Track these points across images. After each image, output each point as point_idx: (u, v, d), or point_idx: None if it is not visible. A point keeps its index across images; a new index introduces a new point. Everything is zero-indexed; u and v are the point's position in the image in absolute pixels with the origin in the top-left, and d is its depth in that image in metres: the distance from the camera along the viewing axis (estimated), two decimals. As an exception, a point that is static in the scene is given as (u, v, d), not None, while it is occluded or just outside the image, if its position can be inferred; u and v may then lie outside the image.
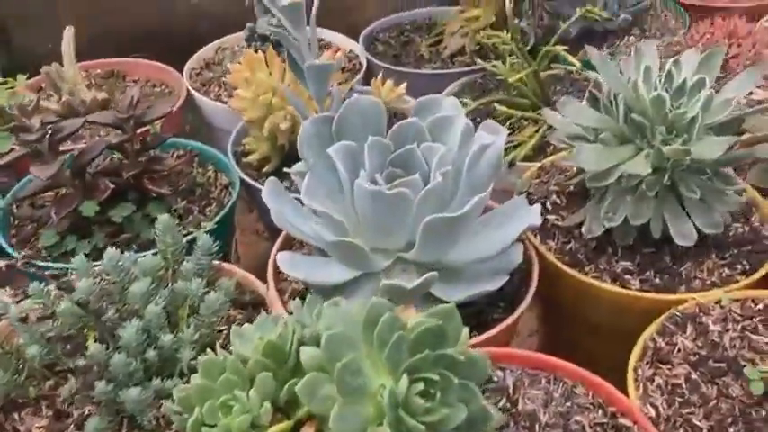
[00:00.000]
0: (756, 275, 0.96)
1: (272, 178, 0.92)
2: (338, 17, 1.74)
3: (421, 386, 0.60)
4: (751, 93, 1.32)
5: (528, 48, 1.49)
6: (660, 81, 0.95)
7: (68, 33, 1.41)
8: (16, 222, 1.15)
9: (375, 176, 0.91)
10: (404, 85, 1.25)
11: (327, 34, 1.64)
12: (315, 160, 0.92)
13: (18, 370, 0.83)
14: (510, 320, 0.91)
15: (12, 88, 1.39)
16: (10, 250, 1.08)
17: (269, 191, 0.90)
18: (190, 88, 1.47)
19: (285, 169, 1.00)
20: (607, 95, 0.97)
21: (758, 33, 1.30)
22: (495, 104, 1.22)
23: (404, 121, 0.94)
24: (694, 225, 0.96)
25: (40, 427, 0.82)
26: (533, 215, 0.89)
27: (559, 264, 0.98)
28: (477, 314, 0.95)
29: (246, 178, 1.17)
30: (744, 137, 1.03)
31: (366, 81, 1.51)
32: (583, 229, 1.01)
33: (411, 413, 0.59)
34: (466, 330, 0.70)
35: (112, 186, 1.08)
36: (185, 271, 0.92)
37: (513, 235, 0.88)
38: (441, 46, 1.56)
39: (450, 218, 0.82)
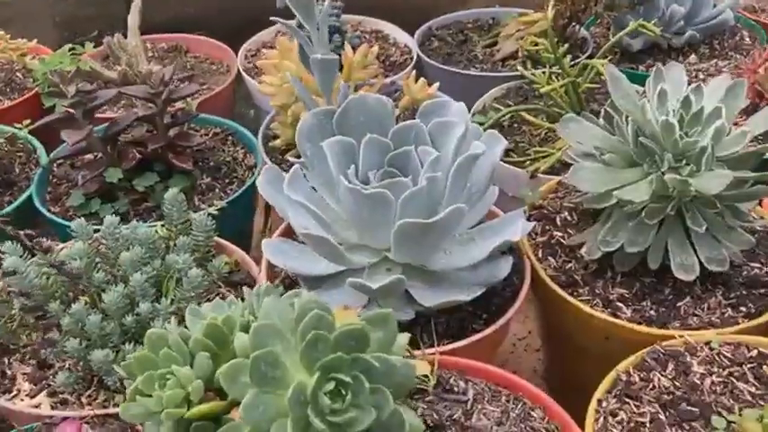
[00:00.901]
0: (758, 320, 0.91)
1: (269, 166, 0.94)
2: (407, 10, 1.75)
3: (332, 386, 0.61)
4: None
5: (584, 57, 1.45)
6: (677, 106, 0.90)
7: (135, 6, 1.49)
8: (54, 181, 1.23)
9: (368, 174, 0.91)
10: (436, 84, 1.24)
11: (385, 26, 1.65)
12: (313, 152, 0.93)
13: (11, 318, 0.89)
14: (484, 334, 0.90)
15: (78, 54, 1.48)
16: (41, 206, 1.16)
17: (264, 180, 0.93)
18: (240, 68, 1.51)
19: (289, 157, 1.02)
20: (621, 116, 0.94)
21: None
22: (524, 113, 1.19)
23: (406, 123, 0.95)
24: (699, 259, 0.92)
25: (24, 374, 0.88)
26: (513, 231, 0.88)
27: (550, 282, 0.96)
28: (461, 321, 0.94)
29: (268, 161, 1.20)
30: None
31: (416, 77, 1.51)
32: (583, 251, 0.98)
33: (318, 411, 0.60)
34: (403, 337, 0.71)
35: (140, 156, 1.14)
36: (180, 245, 0.96)
37: (489, 248, 0.87)
38: (495, 48, 1.54)
39: (423, 224, 0.82)
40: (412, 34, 1.62)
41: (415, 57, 1.53)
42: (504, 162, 1.24)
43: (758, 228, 0.99)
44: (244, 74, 1.51)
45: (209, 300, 0.97)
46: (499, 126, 1.31)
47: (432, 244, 0.89)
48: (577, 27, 1.54)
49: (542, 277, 0.98)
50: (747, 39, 1.57)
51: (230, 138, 1.31)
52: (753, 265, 0.98)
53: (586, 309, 0.92)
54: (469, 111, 1.36)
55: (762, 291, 0.95)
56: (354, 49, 1.22)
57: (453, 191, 0.88)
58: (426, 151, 0.91)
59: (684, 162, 0.89)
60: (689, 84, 0.95)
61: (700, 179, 0.86)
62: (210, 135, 1.31)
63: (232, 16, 1.76)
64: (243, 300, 0.79)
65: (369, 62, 1.22)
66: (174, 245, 0.99)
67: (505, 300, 0.96)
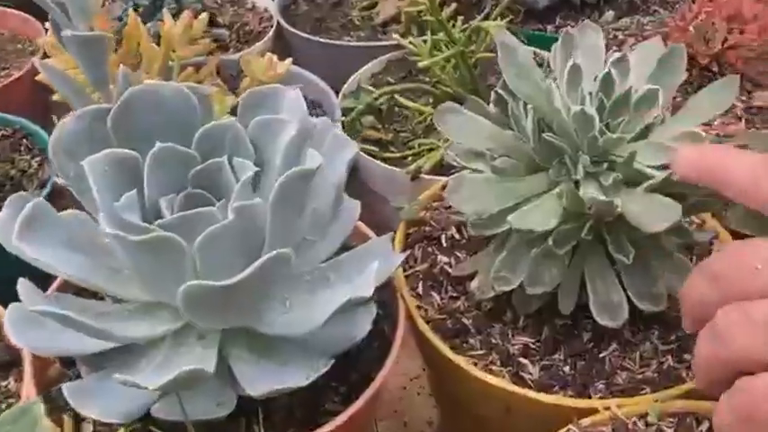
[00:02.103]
0: (710, 374, 0.67)
1: (15, 197, 0.64)
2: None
3: None
4: (750, 94, 1.01)
5: (481, 19, 1.18)
6: (595, 87, 0.65)
7: None
8: None
9: (160, 202, 0.63)
10: (287, 61, 0.96)
11: (241, -14, 1.35)
12: (78, 173, 0.63)
13: None
14: (335, 424, 0.63)
15: None
16: None
17: (4, 219, 0.62)
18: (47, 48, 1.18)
19: (56, 176, 0.72)
20: (518, 101, 0.68)
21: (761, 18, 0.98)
22: (397, 96, 0.93)
23: (217, 124, 0.66)
24: (628, 296, 0.67)
25: None
26: (364, 283, 0.60)
27: (430, 334, 0.70)
28: (309, 400, 0.67)
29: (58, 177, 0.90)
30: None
31: (278, 51, 1.22)
32: (473, 286, 0.72)
33: None
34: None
35: None
36: None
37: (332, 308, 0.60)
38: (375, 11, 1.26)
39: (219, 288, 0.54)
40: (278, -4, 1.32)
41: (275, 24, 1.23)
42: (379, 159, 0.98)
43: (701, 241, 0.76)
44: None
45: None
46: (377, 111, 1.04)
47: (252, 303, 0.61)
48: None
49: (418, 323, 0.71)
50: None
51: (24, 141, 1.00)
52: (696, 290, 0.74)
53: (477, 373, 0.67)
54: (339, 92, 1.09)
55: (709, 328, 0.71)
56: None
57: (278, 224, 0.60)
58: (242, 166, 0.64)
59: (606, 166, 0.64)
60: (608, 50, 0.70)
61: (631, 201, 0.60)
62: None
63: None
64: None
65: (196, 34, 0.93)
66: None
67: (372, 360, 0.70)
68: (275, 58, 0.97)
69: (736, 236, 0.79)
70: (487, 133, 0.66)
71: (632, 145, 0.63)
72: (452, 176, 0.64)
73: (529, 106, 0.65)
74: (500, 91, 0.69)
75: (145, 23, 0.93)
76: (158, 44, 0.92)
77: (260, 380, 0.61)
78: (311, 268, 0.70)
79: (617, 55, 0.64)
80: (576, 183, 0.64)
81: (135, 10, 1.06)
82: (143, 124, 0.64)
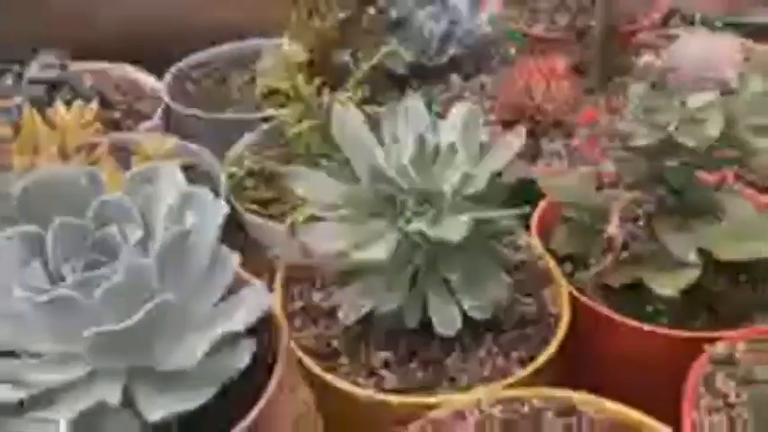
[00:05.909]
0: (533, 366, 0.83)
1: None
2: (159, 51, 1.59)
3: None
4: (570, 137, 1.21)
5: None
6: (414, 147, 0.81)
7: None
8: None
9: (63, 267, 0.75)
10: (173, 139, 1.09)
11: (133, 72, 1.48)
12: (-11, 250, 0.75)
13: None
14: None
15: None
16: None
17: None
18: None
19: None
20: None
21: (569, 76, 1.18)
22: (268, 162, 1.08)
23: (107, 198, 0.79)
24: (463, 309, 0.83)
25: None
26: (236, 321, 0.74)
27: (304, 358, 0.84)
28: (205, 420, 0.79)
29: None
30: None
31: (169, 128, 1.36)
32: (340, 315, 0.86)
33: None
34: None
35: None
36: None
37: (206, 345, 0.72)
38: (256, 84, 1.41)
39: (113, 331, 0.67)
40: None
41: (163, 105, 1.37)
42: (264, 216, 1.12)
43: (527, 259, 0.93)
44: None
45: None
46: (259, 174, 1.19)
47: (146, 343, 0.74)
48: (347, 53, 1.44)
49: (296, 351, 0.85)
50: (513, 50, 1.54)
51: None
52: (526, 300, 0.91)
53: (336, 384, 0.81)
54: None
55: (530, 329, 0.88)
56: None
57: (163, 277, 0.73)
58: (130, 232, 0.77)
59: (429, 205, 0.80)
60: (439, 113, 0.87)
61: (440, 227, 0.77)
62: None
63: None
64: None
65: (87, 121, 1.06)
66: None
67: (259, 385, 0.82)
68: (165, 136, 1.10)
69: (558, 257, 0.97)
70: (335, 189, 0.82)
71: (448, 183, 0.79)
72: (306, 225, 0.79)
73: (365, 164, 0.81)
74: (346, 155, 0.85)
75: (40, 111, 1.05)
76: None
77: (156, 409, 0.73)
78: (200, 312, 0.83)
79: (429, 120, 0.81)
80: (408, 221, 0.80)
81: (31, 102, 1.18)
82: (42, 205, 0.77)
